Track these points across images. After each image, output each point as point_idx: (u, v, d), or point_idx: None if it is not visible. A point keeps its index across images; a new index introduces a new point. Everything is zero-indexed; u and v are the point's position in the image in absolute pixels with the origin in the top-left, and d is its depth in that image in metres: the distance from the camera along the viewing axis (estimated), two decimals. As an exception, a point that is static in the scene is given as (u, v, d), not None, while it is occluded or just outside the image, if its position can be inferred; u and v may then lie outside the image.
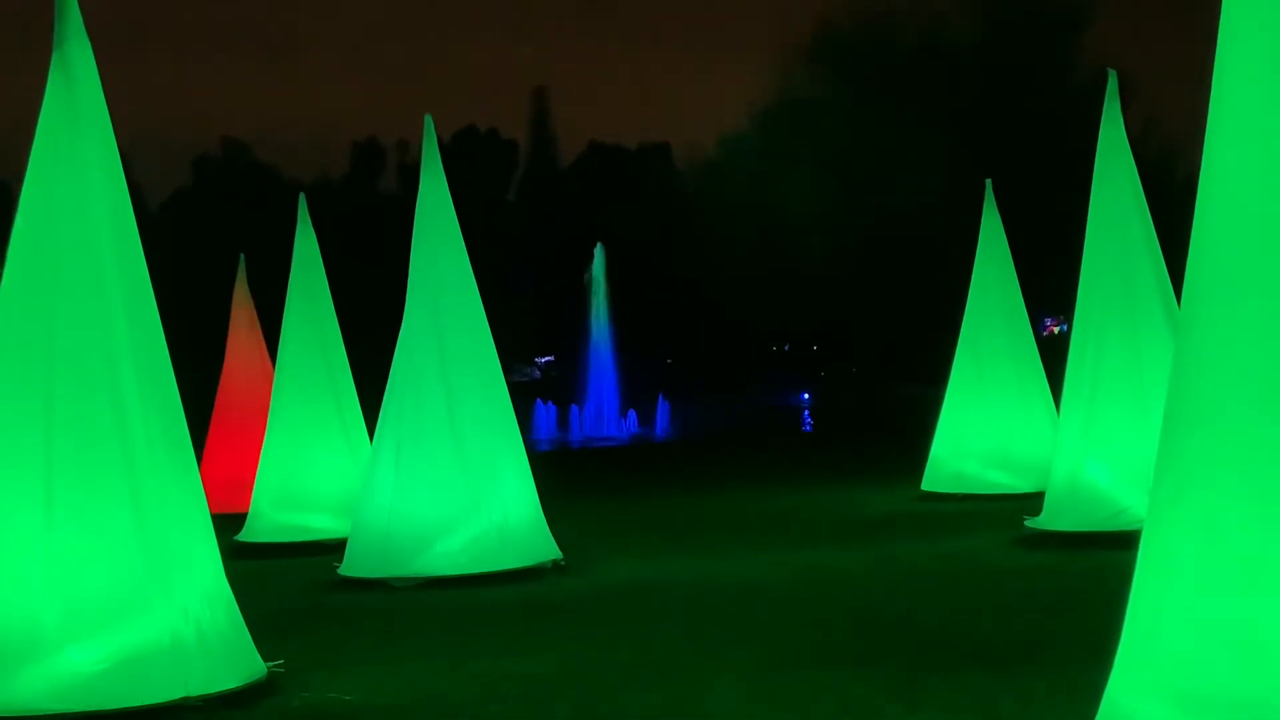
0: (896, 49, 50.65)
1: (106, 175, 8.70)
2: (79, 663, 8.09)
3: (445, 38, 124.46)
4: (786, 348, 66.32)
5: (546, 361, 60.15)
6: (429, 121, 13.42)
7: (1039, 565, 12.51)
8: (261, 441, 16.47)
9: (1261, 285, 5.37)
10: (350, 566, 12.94)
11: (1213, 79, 5.58)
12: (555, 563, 12.97)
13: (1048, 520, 13.86)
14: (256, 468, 16.39)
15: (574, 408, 35.94)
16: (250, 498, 16.26)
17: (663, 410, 35.32)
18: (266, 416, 16.51)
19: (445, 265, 13.09)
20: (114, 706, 7.94)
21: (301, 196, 16.81)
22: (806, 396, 47.04)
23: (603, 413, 36.45)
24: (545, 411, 34.65)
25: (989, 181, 18.42)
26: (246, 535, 15.68)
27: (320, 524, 15.40)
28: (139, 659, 8.16)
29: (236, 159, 69.17)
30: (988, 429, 17.92)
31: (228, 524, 13.55)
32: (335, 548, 13.58)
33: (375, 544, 12.86)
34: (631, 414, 35.81)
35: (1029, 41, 50.18)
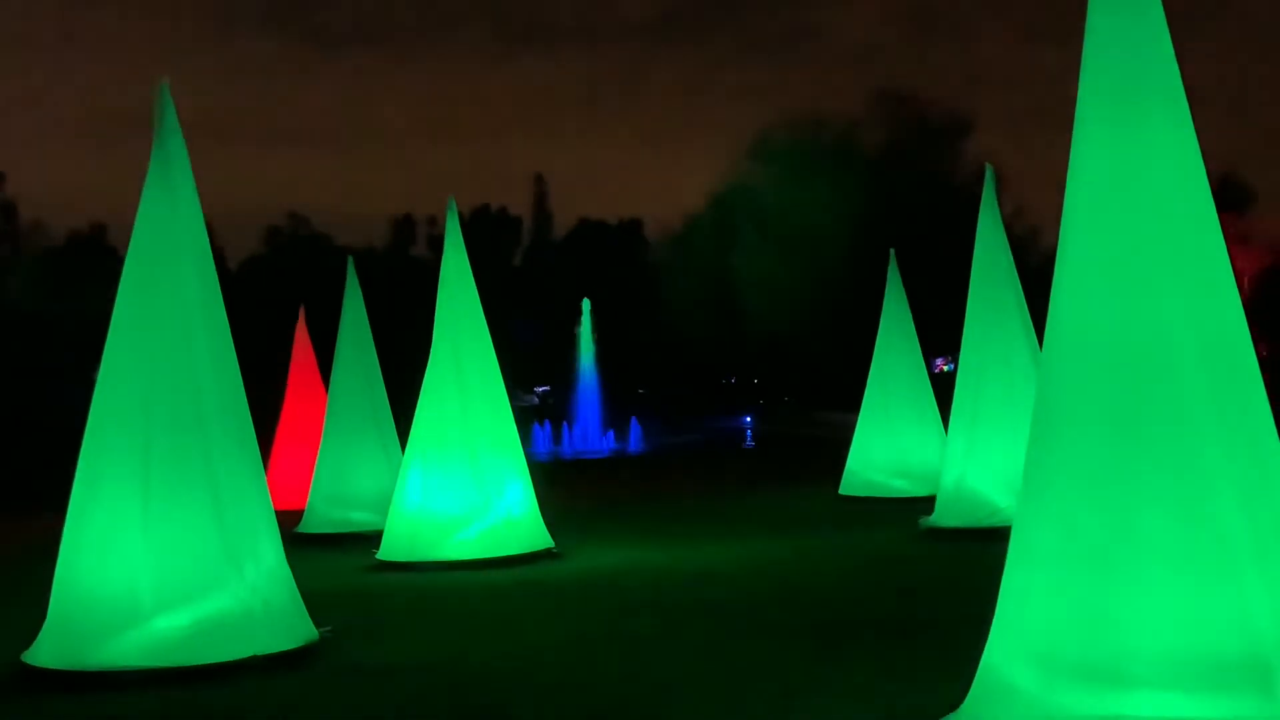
0: (822, 147, 50.83)
1: (195, 241, 8.68)
2: (167, 628, 8.05)
3: (465, 135, 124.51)
4: (733, 380, 66.19)
5: (543, 391, 59.88)
6: (452, 202, 13.41)
7: (931, 554, 12.52)
8: (316, 452, 16.41)
9: (1105, 333, 5.42)
10: (386, 552, 12.87)
11: (1067, 175, 5.64)
12: (549, 551, 12.91)
13: (938, 518, 13.86)
14: (312, 473, 16.33)
15: (565, 427, 35.86)
16: (307, 497, 16.19)
17: (635, 430, 35.20)
18: (320, 432, 16.46)
19: (463, 314, 13.07)
20: (194, 663, 7.92)
21: (350, 259, 16.78)
22: (749, 420, 46.96)
23: (588, 431, 36.31)
24: (542, 430, 34.54)
25: (892, 251, 18.48)
26: (304, 527, 15.56)
27: (362, 518, 15.28)
28: (216, 626, 8.13)
29: (299, 229, 68.89)
30: (891, 446, 17.91)
31: (288, 519, 13.44)
32: (374, 538, 13.48)
33: (406, 535, 12.80)
34: (610, 433, 35.71)
35: (925, 142, 50.53)
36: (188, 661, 7.90)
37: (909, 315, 18.31)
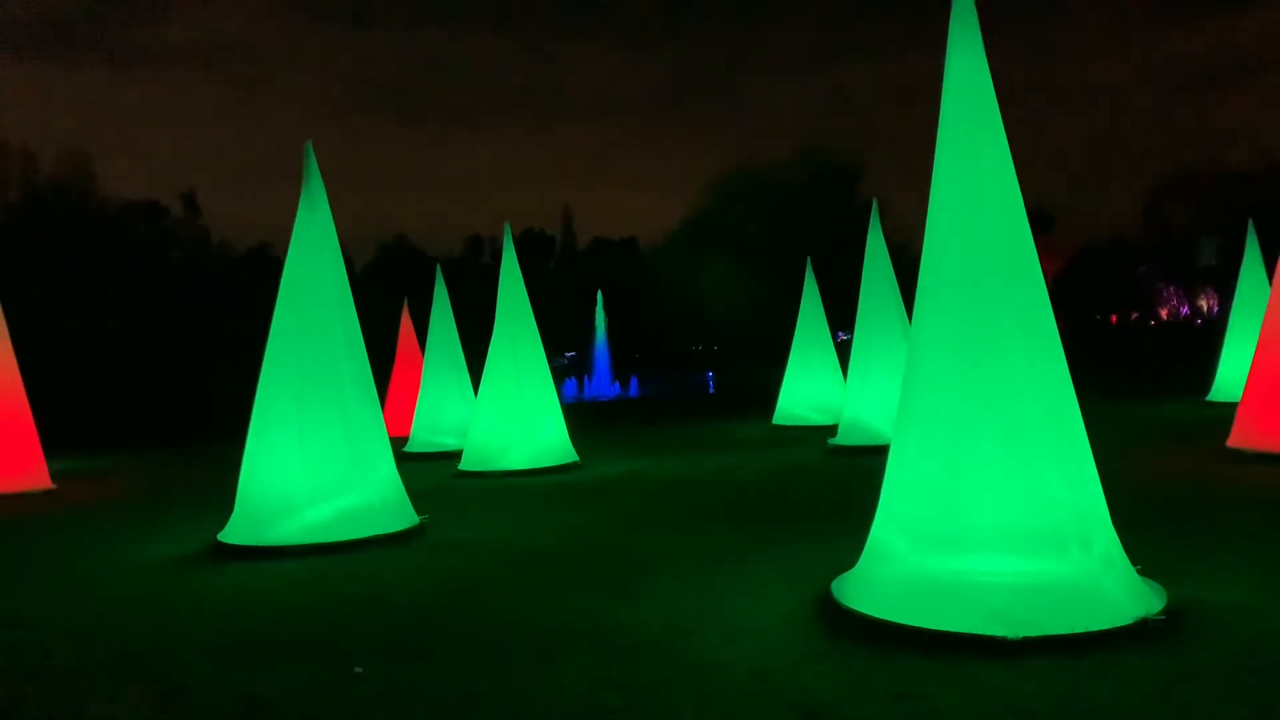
0: (764, 184, 50.61)
1: (332, 254, 8.65)
2: (316, 517, 8.09)
3: (516, 180, 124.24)
4: (699, 347, 66.08)
5: (571, 355, 59.82)
6: (507, 226, 13.36)
7: (837, 464, 12.53)
8: (417, 395, 16.43)
9: (954, 314, 5.42)
10: (464, 464, 12.90)
11: (929, 205, 5.63)
12: (575, 463, 12.95)
13: (840, 440, 13.90)
14: (414, 409, 16.34)
15: (585, 379, 35.81)
16: (411, 426, 16.20)
17: (633, 382, 35.16)
18: (419, 383, 16.46)
19: (516, 302, 13.04)
20: (334, 540, 7.97)
21: (438, 266, 16.78)
22: (710, 375, 46.91)
23: (601, 382, 36.24)
24: (570, 381, 34.52)
25: (809, 258, 18.45)
26: (409, 448, 15.59)
27: (449, 442, 15.33)
28: (348, 515, 8.17)
29: (402, 245, 68.56)
30: (809, 389, 17.94)
31: (398, 442, 13.48)
32: (456, 455, 13.50)
33: (478, 453, 12.82)
34: (616, 384, 35.68)
35: (832, 181, 50.34)
36: (330, 539, 7.96)
37: (820, 302, 18.31)
